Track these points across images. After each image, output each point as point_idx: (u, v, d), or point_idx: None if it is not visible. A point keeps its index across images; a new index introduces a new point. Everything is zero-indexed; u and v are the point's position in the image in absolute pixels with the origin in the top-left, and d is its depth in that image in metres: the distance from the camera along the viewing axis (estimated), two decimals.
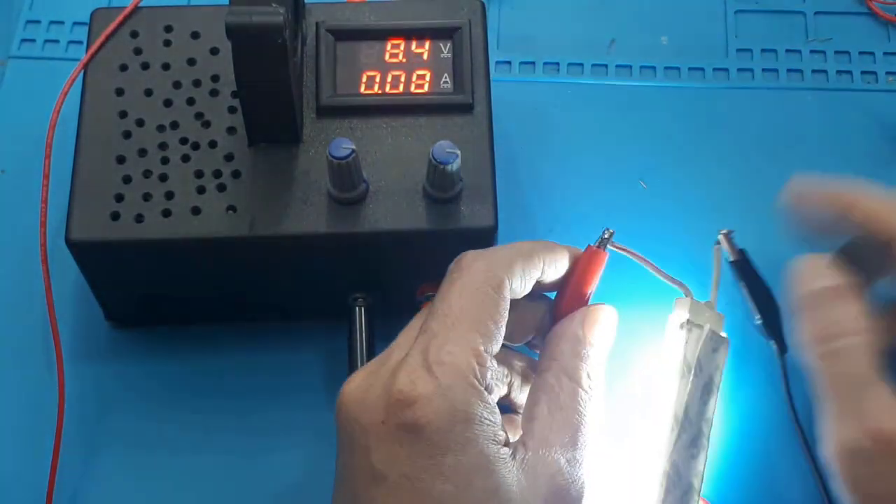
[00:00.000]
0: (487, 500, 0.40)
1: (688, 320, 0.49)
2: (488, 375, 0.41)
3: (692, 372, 0.48)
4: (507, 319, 0.43)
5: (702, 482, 0.48)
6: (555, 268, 0.46)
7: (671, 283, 0.50)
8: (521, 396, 0.48)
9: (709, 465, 0.48)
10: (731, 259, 0.53)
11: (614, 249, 0.48)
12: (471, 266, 0.43)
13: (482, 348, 0.41)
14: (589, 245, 0.47)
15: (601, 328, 0.46)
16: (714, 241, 0.54)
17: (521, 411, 0.46)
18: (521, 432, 0.43)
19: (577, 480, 0.42)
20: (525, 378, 0.48)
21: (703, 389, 0.49)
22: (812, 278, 0.47)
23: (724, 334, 0.50)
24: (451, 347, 0.41)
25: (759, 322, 0.54)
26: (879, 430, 0.43)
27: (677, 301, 0.50)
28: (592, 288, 0.47)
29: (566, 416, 0.43)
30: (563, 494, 0.42)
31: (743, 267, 0.53)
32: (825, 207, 0.49)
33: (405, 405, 0.40)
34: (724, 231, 0.53)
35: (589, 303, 0.47)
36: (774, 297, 0.54)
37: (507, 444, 0.41)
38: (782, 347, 0.54)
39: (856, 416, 0.43)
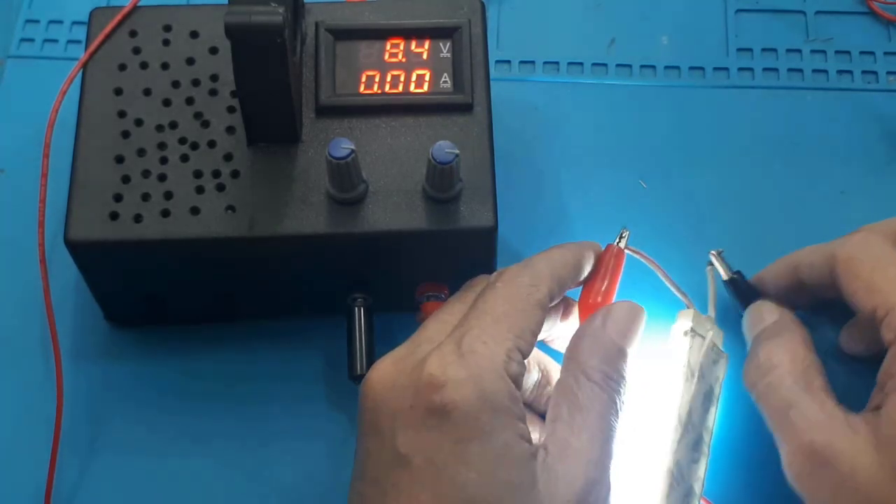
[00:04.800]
0: (509, 493, 0.40)
1: (692, 329, 0.50)
2: (518, 371, 0.42)
3: (695, 376, 0.49)
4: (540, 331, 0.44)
5: (703, 488, 0.48)
6: (583, 274, 0.48)
7: (676, 293, 0.52)
8: (540, 397, 0.48)
9: (712, 477, 0.49)
10: (725, 278, 0.54)
11: (629, 252, 0.50)
12: (515, 279, 0.45)
13: (516, 346, 0.42)
14: (610, 244, 0.50)
15: (622, 325, 0.46)
16: (710, 254, 0.55)
17: (544, 411, 0.46)
18: (544, 434, 0.43)
19: (599, 482, 0.42)
20: (545, 377, 0.48)
21: (704, 397, 0.49)
22: (754, 324, 0.51)
23: (723, 350, 0.51)
24: (486, 339, 0.42)
25: None
26: (811, 443, 0.44)
27: (681, 312, 0.51)
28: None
29: (586, 417, 0.43)
30: (584, 497, 0.41)
31: (738, 286, 0.54)
32: (782, 283, 0.52)
33: (434, 389, 0.40)
34: (715, 252, 0.54)
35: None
36: None
37: (530, 442, 0.42)
38: None
39: (792, 438, 0.45)
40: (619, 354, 0.45)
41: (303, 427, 0.54)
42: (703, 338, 0.50)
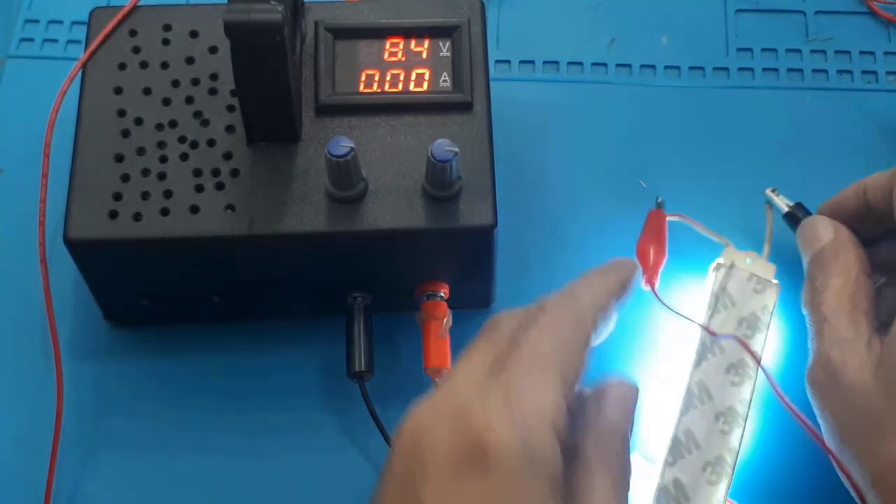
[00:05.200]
0: None
1: (718, 263, 0.55)
2: (563, 427, 0.38)
3: (718, 301, 0.54)
4: None
5: (748, 409, 0.51)
6: (626, 297, 0.45)
7: (713, 237, 0.56)
8: None
9: (769, 408, 0.53)
10: (785, 211, 0.57)
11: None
12: (560, 316, 0.41)
13: (563, 395, 0.39)
14: (652, 210, 0.56)
15: (615, 406, 0.42)
16: (766, 192, 0.58)
17: None
18: None
19: None
20: None
21: (740, 323, 0.53)
22: (808, 241, 0.53)
23: (774, 280, 0.54)
24: (534, 385, 0.38)
25: None
26: (828, 355, 0.48)
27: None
28: None
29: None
30: None
31: (803, 214, 0.56)
32: (849, 207, 0.53)
33: (477, 435, 0.36)
34: (771, 189, 0.58)
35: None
36: None
37: None
38: None
39: (817, 349, 0.49)
40: (617, 438, 0.41)
41: (302, 425, 0.54)
42: (729, 267, 0.54)
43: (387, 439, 0.52)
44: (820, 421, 0.48)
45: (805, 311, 0.51)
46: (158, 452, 0.54)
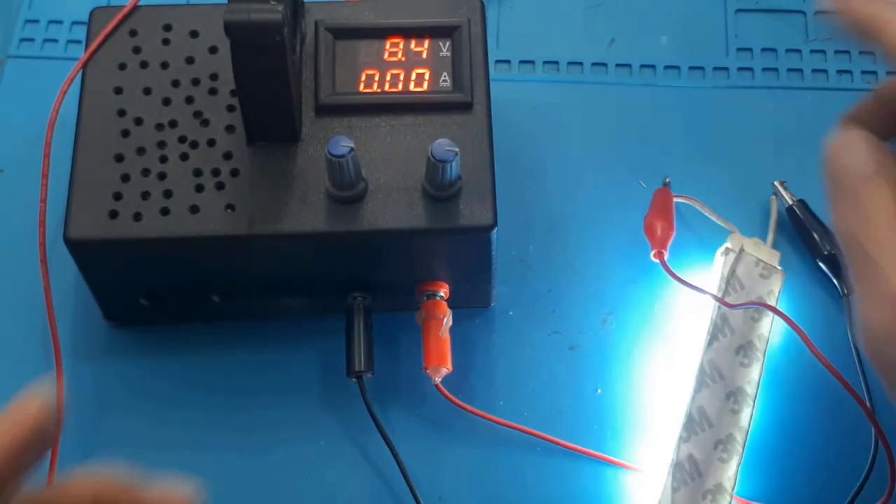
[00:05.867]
0: None
1: (726, 248, 0.56)
2: None
3: (728, 284, 0.55)
4: None
5: (756, 390, 0.53)
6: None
7: (718, 221, 0.58)
8: None
9: (776, 397, 0.55)
10: (789, 204, 0.58)
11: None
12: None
13: None
14: (658, 189, 0.58)
15: None
16: (774, 183, 0.59)
17: None
18: None
19: None
20: None
21: (747, 308, 0.54)
22: (845, 154, 0.44)
23: (779, 267, 0.56)
24: None
25: (827, 252, 0.57)
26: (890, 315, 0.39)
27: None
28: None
29: None
30: None
31: (803, 211, 0.58)
32: (855, 25, 0.44)
33: None
34: (779, 181, 0.59)
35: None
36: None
37: None
38: (847, 287, 0.57)
39: (878, 287, 0.39)
40: None
41: (301, 425, 0.54)
42: (736, 252, 0.56)
43: (386, 438, 0.52)
44: (885, 384, 0.42)
45: (843, 237, 0.42)
46: (158, 452, 0.54)
